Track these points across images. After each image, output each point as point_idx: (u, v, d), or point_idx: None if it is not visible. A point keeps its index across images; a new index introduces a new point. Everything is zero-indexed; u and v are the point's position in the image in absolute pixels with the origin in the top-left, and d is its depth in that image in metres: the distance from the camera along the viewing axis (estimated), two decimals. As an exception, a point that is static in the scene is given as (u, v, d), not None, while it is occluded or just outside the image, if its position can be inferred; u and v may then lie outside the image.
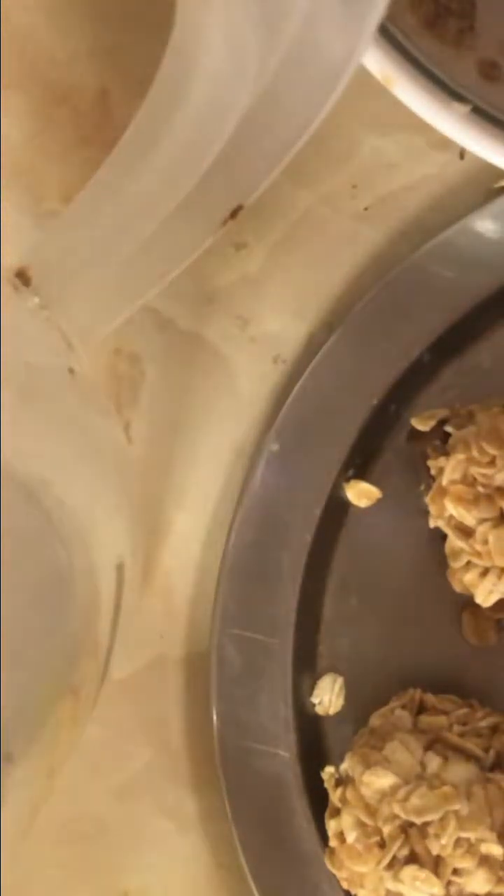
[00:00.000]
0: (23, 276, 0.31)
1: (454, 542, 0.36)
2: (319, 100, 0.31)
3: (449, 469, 0.36)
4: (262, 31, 0.30)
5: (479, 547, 0.36)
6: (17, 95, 0.40)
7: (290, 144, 0.31)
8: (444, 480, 0.36)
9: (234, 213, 0.32)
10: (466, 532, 0.36)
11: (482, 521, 0.36)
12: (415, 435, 0.39)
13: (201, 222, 0.32)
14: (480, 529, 0.36)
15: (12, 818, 0.30)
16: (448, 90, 0.35)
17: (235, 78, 0.30)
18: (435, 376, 0.39)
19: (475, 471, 0.36)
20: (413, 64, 0.35)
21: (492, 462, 0.35)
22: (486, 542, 0.36)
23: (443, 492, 0.36)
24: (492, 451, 0.35)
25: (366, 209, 0.40)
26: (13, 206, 0.40)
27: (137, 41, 0.39)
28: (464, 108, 0.35)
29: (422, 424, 0.38)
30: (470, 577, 0.36)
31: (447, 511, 0.36)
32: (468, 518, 0.36)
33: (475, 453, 0.36)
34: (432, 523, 0.37)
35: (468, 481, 0.36)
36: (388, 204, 0.40)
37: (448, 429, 0.38)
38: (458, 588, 0.37)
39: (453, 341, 0.39)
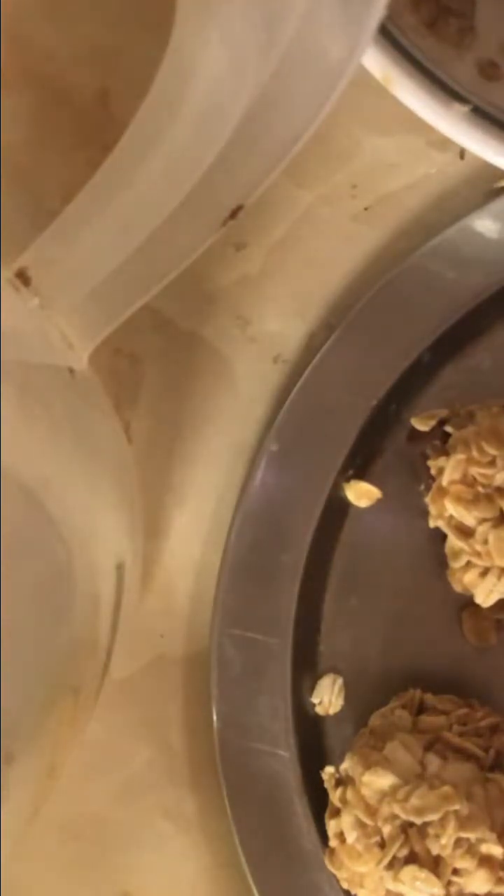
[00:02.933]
0: (23, 276, 0.31)
1: (454, 542, 0.36)
2: (319, 100, 0.31)
3: (449, 469, 0.36)
4: (262, 31, 0.30)
5: (479, 547, 0.36)
6: (17, 96, 0.40)
7: (290, 144, 0.31)
8: (444, 480, 0.36)
9: (234, 213, 0.32)
10: (466, 532, 0.36)
11: (482, 521, 0.36)
12: (415, 435, 0.39)
13: (201, 222, 0.32)
14: (480, 529, 0.36)
15: (12, 818, 0.30)
16: (448, 90, 0.35)
17: (235, 78, 0.30)
18: (435, 376, 0.39)
19: (475, 471, 0.36)
20: (413, 64, 0.35)
21: (492, 462, 0.35)
22: (486, 542, 0.36)
23: (443, 492, 0.36)
24: (492, 451, 0.35)
25: (366, 209, 0.40)
26: (13, 206, 0.40)
27: (137, 41, 0.39)
28: (464, 108, 0.35)
29: (422, 424, 0.38)
30: (470, 577, 0.36)
31: (447, 511, 0.36)
32: (468, 518, 0.36)
33: (475, 453, 0.36)
34: (432, 523, 0.37)
35: (468, 481, 0.36)
36: (388, 204, 0.40)
37: (448, 429, 0.38)
38: (458, 588, 0.37)
39: (453, 341, 0.39)
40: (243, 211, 0.32)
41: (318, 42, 0.30)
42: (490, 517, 0.36)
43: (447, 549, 0.37)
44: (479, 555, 0.36)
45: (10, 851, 0.30)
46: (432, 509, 0.37)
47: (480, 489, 0.36)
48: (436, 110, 0.35)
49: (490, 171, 0.38)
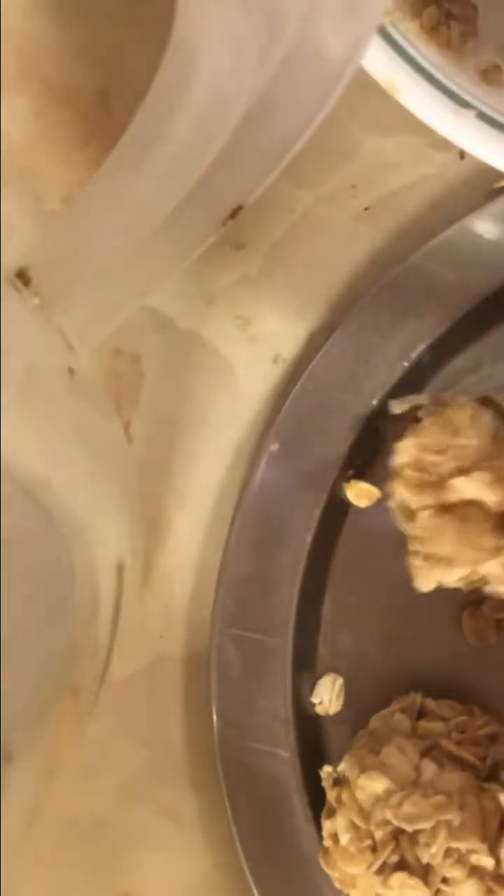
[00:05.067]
0: (23, 276, 0.31)
1: (401, 523, 0.36)
2: (319, 100, 0.31)
3: (401, 451, 0.36)
4: (262, 31, 0.30)
5: (419, 532, 0.35)
6: (17, 95, 0.40)
7: (290, 144, 0.31)
8: (396, 462, 0.36)
9: (234, 213, 0.32)
10: (411, 516, 0.36)
11: (425, 507, 0.35)
12: (394, 419, 0.38)
13: (201, 222, 0.32)
14: (422, 515, 0.35)
15: (12, 818, 0.30)
16: (451, 95, 0.35)
17: (235, 78, 0.30)
18: (435, 376, 0.39)
19: (426, 457, 0.35)
20: (416, 69, 0.35)
21: (443, 451, 0.35)
22: (425, 528, 0.35)
23: (394, 473, 0.36)
24: (445, 440, 0.35)
25: (366, 209, 0.40)
26: (13, 206, 0.40)
27: (137, 41, 0.39)
28: (468, 113, 0.35)
29: (397, 408, 0.38)
30: (414, 561, 0.36)
31: (396, 493, 0.36)
32: (413, 502, 0.35)
33: (427, 440, 0.35)
34: (389, 503, 0.37)
35: (419, 466, 0.36)
36: (388, 204, 0.40)
37: (420, 414, 0.38)
38: (410, 571, 0.37)
39: (453, 341, 0.39)
40: (243, 211, 0.32)
41: (318, 42, 0.30)
42: (432, 504, 0.35)
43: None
44: (421, 541, 0.36)
45: (10, 851, 0.30)
46: (388, 489, 0.37)
47: (427, 476, 0.35)
48: (440, 115, 0.35)
49: (490, 171, 0.38)
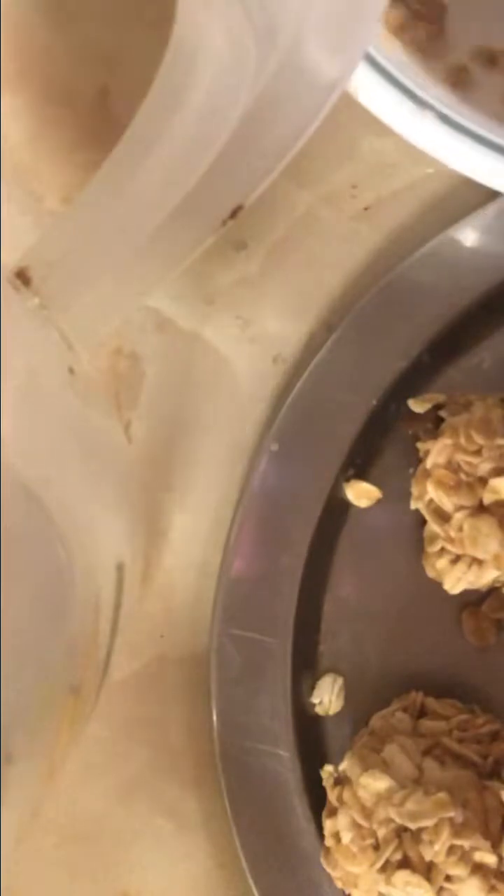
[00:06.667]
0: (23, 276, 0.31)
1: (431, 526, 0.36)
2: (319, 99, 0.31)
3: (434, 452, 0.36)
4: (262, 30, 0.30)
5: (453, 533, 0.36)
6: (17, 95, 0.40)
7: (290, 144, 0.31)
8: (429, 463, 0.36)
9: (234, 213, 0.32)
10: (443, 517, 0.36)
11: (460, 508, 0.36)
12: (411, 417, 0.38)
13: (201, 222, 0.32)
14: (457, 516, 0.36)
15: (12, 818, 0.30)
16: (410, 95, 0.35)
17: (235, 78, 0.30)
18: (435, 376, 0.39)
19: (460, 458, 0.36)
20: (379, 71, 0.34)
21: (478, 451, 0.35)
22: (460, 529, 0.35)
23: (426, 474, 0.36)
24: (480, 440, 0.35)
25: (366, 209, 0.40)
26: (13, 206, 0.40)
27: (137, 41, 0.39)
28: (431, 116, 0.35)
29: (418, 406, 0.38)
30: (442, 563, 0.36)
31: (428, 494, 0.36)
32: (447, 503, 0.36)
33: (463, 440, 0.36)
34: (413, 505, 0.37)
35: (452, 467, 0.36)
36: (388, 204, 0.40)
37: (442, 414, 0.38)
38: (430, 573, 0.37)
39: (453, 341, 0.39)
40: (243, 211, 0.32)
41: (318, 42, 0.30)
42: (468, 505, 0.35)
43: (425, 533, 0.37)
44: (452, 541, 0.36)
45: (10, 851, 0.30)
46: (414, 490, 0.37)
47: (463, 476, 0.36)
48: (399, 116, 0.34)
49: (490, 171, 0.38)
